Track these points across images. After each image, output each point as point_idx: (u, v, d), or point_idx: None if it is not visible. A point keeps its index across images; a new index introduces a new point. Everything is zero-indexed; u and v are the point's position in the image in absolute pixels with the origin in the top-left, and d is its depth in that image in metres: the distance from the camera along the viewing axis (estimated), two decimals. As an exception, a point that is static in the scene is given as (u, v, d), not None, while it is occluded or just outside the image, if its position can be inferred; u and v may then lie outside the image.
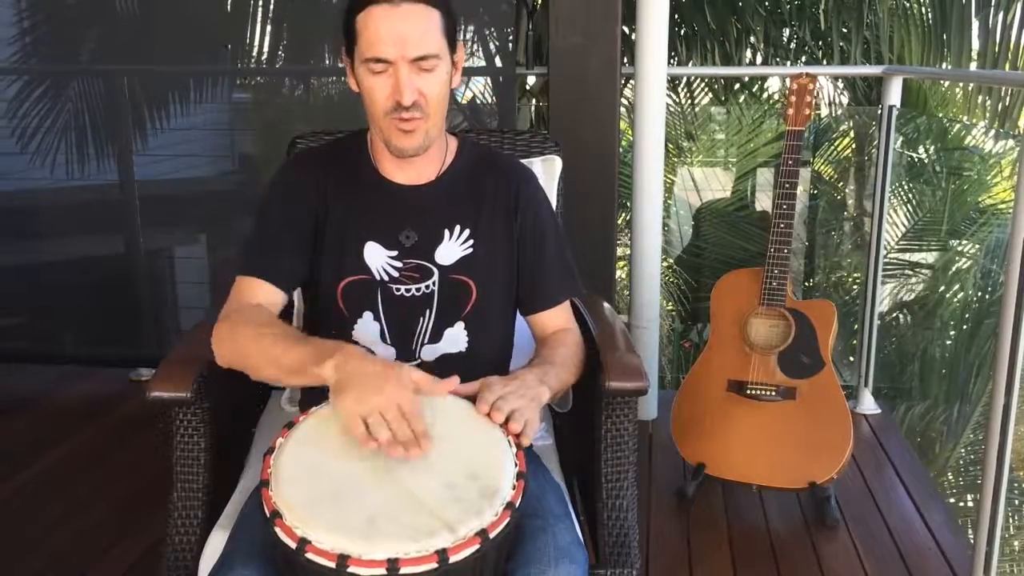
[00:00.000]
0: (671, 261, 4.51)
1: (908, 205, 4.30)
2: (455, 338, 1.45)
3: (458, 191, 1.48)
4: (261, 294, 1.39)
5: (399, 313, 1.44)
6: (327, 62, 3.32)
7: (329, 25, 3.20)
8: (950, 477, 4.16)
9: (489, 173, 1.50)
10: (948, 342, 4.32)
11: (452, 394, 1.23)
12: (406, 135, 1.36)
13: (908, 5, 4.42)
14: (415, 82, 1.32)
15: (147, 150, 3.20)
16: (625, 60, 2.94)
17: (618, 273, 3.42)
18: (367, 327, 1.44)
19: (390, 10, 1.30)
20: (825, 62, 4.49)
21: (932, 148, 4.43)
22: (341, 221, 1.44)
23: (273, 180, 1.50)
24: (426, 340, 1.44)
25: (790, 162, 2.33)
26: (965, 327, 4.28)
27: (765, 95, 4.87)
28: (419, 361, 1.44)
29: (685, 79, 4.71)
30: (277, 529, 1.05)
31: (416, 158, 1.42)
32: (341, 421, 1.16)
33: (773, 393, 2.31)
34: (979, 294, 4.31)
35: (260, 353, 1.28)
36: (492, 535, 1.05)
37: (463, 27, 3.47)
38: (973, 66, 4.39)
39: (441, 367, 1.43)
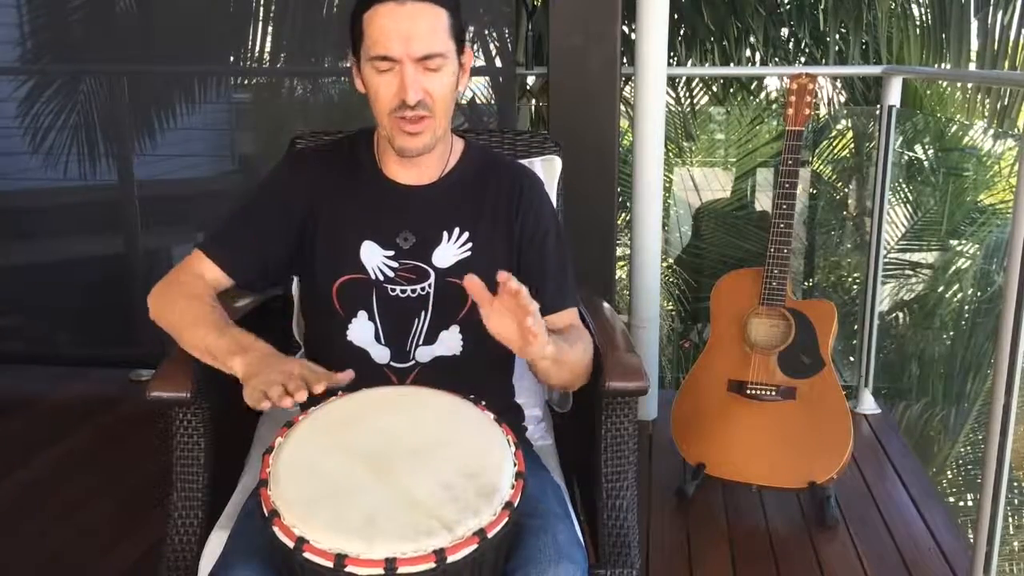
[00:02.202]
0: (671, 261, 4.50)
1: (907, 205, 4.30)
2: (450, 341, 1.45)
3: (459, 193, 1.47)
4: (209, 274, 1.43)
5: (394, 314, 1.43)
6: (327, 63, 3.32)
7: (329, 25, 3.20)
8: (949, 476, 4.16)
9: (492, 176, 1.50)
10: (948, 342, 4.31)
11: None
12: (411, 136, 1.36)
13: (907, 5, 4.42)
14: (421, 81, 1.32)
15: (148, 151, 3.20)
16: (625, 60, 2.94)
17: (618, 273, 3.42)
18: (362, 327, 1.43)
19: (396, 8, 1.30)
20: (824, 62, 4.49)
21: (930, 148, 4.43)
22: (338, 219, 1.44)
23: (267, 174, 1.51)
24: (421, 341, 1.44)
25: (790, 162, 2.33)
26: (964, 326, 4.27)
27: (763, 94, 4.86)
28: (414, 362, 1.44)
29: (685, 79, 4.71)
30: (275, 528, 1.05)
31: (421, 158, 1.41)
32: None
33: (773, 393, 2.31)
34: (978, 294, 4.31)
35: (184, 327, 1.35)
36: (490, 535, 1.05)
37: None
38: (972, 66, 4.39)
39: (436, 369, 1.43)
